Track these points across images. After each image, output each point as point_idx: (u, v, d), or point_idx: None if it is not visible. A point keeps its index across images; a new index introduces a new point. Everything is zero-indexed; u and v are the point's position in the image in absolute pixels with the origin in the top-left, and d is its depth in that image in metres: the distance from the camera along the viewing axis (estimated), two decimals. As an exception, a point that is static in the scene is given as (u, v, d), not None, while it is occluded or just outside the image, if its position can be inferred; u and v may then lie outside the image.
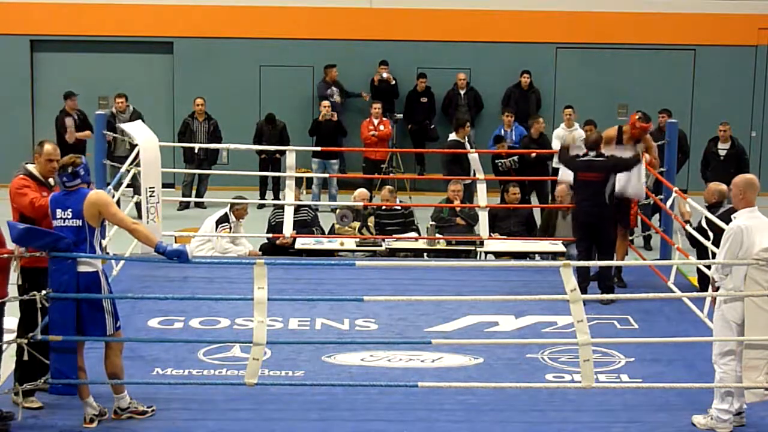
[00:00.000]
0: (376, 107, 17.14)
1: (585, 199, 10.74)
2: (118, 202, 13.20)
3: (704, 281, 10.03)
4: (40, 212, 7.52)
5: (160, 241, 7.56)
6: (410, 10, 18.66)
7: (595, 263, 10.36)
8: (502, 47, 18.77)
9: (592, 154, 10.77)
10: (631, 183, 11.02)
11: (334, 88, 18.08)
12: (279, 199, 14.66)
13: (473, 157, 12.61)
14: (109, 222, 7.80)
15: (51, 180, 7.82)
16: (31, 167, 7.83)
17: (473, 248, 12.25)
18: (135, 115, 16.03)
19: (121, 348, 7.74)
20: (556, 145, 15.52)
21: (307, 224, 12.59)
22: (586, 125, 15.66)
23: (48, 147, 7.77)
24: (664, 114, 15.62)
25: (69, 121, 15.93)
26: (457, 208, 12.92)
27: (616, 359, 8.98)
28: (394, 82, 18.19)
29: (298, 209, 12.51)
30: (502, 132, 16.29)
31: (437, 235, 12.43)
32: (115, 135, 14.84)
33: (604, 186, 10.64)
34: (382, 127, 17.07)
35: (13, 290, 7.66)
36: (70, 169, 7.49)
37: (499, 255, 12.37)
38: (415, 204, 14.14)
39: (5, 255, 7.36)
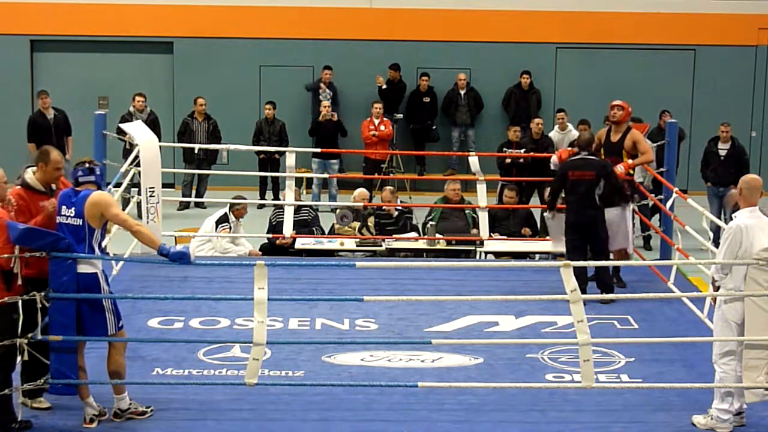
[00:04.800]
0: (378, 107, 17.12)
1: (576, 200, 10.69)
2: (125, 203, 13.27)
3: None
4: None
5: (163, 243, 7.56)
6: (410, 10, 18.66)
7: (593, 263, 10.36)
8: (502, 47, 18.77)
9: (584, 153, 10.74)
10: (620, 233, 10.94)
11: (326, 89, 18.07)
12: (279, 199, 14.66)
13: (473, 159, 12.60)
14: (111, 223, 7.80)
15: (53, 185, 7.77)
16: (30, 176, 7.68)
17: (473, 248, 12.25)
18: (152, 116, 16.03)
19: (125, 347, 7.72)
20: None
21: (307, 224, 12.60)
22: (580, 125, 15.66)
23: (55, 155, 7.66)
24: (665, 114, 15.66)
25: None
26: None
27: (616, 359, 8.98)
28: (385, 86, 18.19)
29: (299, 209, 12.52)
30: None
31: (437, 235, 12.43)
32: (114, 135, 14.81)
33: (595, 186, 10.60)
34: (382, 127, 17.05)
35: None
36: (87, 165, 7.54)
37: (499, 255, 12.37)
38: (415, 204, 14.13)
39: (5, 255, 7.35)
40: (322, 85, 18.05)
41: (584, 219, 10.62)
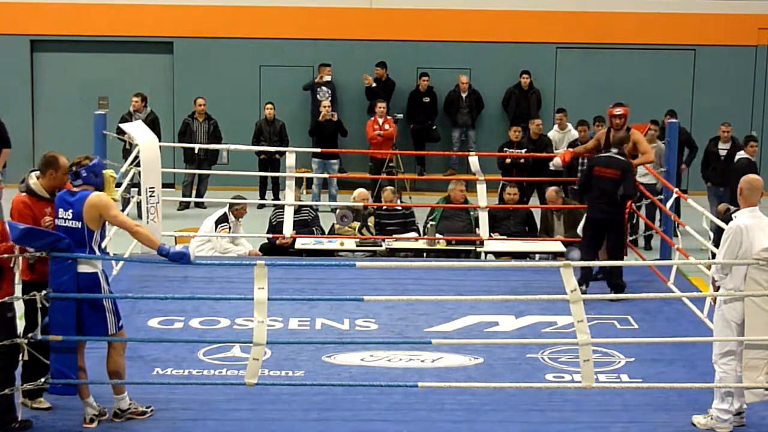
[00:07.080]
0: (381, 107, 17.07)
1: (599, 197, 10.72)
2: (125, 203, 13.27)
3: None
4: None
5: (163, 243, 7.55)
6: (410, 10, 18.66)
7: (594, 263, 10.36)
8: (502, 47, 18.76)
9: (614, 151, 10.77)
10: None
11: (323, 87, 18.08)
12: (279, 199, 14.65)
13: (473, 159, 12.59)
14: (110, 224, 7.78)
15: (57, 191, 7.74)
16: (34, 182, 7.64)
17: (473, 248, 12.25)
18: (151, 116, 15.99)
19: (124, 347, 7.72)
20: None
21: (307, 224, 12.60)
22: (579, 125, 15.66)
23: (64, 160, 7.61)
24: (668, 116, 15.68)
25: None
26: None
27: (616, 359, 8.99)
28: (374, 85, 18.19)
29: (299, 209, 12.51)
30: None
31: (437, 235, 12.43)
32: (114, 135, 14.80)
33: (618, 185, 10.62)
34: (387, 127, 17.01)
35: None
36: (74, 168, 7.48)
37: (499, 255, 12.37)
38: (415, 204, 14.13)
39: (5, 255, 7.34)
40: (321, 86, 18.04)
41: (602, 215, 10.68)
